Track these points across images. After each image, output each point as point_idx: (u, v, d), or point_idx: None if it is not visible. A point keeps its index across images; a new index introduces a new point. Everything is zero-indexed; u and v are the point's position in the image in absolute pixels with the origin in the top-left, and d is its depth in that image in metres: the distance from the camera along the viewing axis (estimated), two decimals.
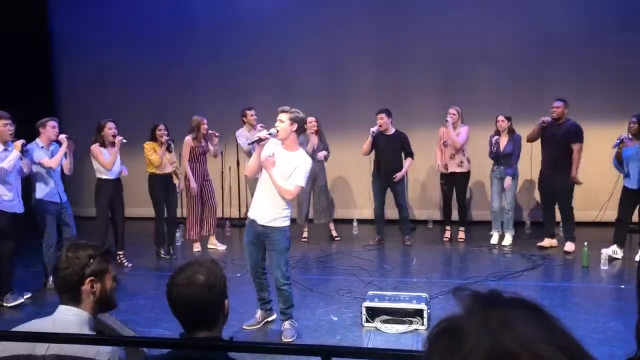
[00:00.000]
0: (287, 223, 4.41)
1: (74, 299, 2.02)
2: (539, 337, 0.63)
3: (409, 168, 7.69)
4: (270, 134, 4.32)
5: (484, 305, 0.67)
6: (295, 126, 4.32)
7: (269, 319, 4.81)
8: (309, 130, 7.54)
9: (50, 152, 5.89)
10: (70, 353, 1.88)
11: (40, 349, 1.91)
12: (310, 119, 7.53)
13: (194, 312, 1.85)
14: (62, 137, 5.88)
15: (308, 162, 4.38)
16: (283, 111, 4.32)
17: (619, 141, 6.47)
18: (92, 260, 2.03)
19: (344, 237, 8.02)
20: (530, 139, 7.13)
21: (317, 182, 7.69)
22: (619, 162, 6.54)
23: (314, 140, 7.58)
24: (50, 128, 5.85)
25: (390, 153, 7.46)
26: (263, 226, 4.35)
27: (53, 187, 5.85)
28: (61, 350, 1.88)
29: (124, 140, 6.36)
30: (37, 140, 5.83)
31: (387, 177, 7.47)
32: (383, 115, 7.38)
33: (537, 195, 8.41)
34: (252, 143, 4.39)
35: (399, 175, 7.44)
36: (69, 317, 1.99)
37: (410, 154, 7.52)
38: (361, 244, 7.71)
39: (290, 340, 4.45)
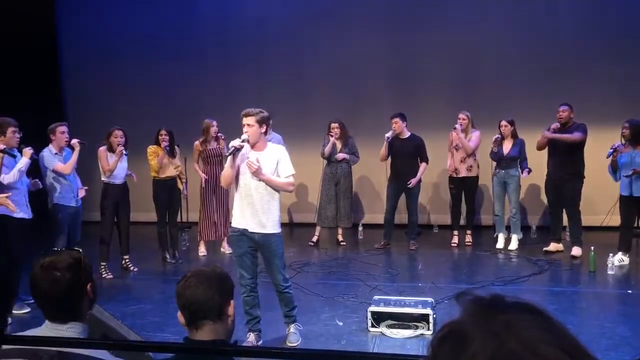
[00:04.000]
0: (280, 229, 4.32)
1: (74, 315, 1.83)
2: (543, 339, 0.63)
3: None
4: (243, 141, 4.14)
5: (487, 309, 0.68)
6: (263, 127, 4.19)
7: (259, 344, 4.45)
8: (333, 136, 7.54)
9: (63, 157, 5.95)
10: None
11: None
12: (334, 124, 7.56)
13: (200, 301, 1.90)
14: (75, 141, 5.94)
15: (283, 148, 4.37)
16: (248, 115, 4.14)
17: (612, 150, 6.43)
18: (83, 266, 1.87)
19: (349, 242, 8.01)
20: (541, 147, 7.05)
21: (340, 185, 7.68)
22: (614, 170, 6.49)
23: (336, 143, 7.58)
24: (59, 134, 5.90)
25: (405, 157, 7.43)
26: (260, 234, 4.20)
27: (69, 191, 5.94)
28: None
29: (125, 152, 6.38)
30: (50, 146, 5.90)
31: (402, 181, 7.44)
32: (397, 119, 7.38)
33: (543, 199, 8.39)
34: (230, 154, 4.15)
35: (413, 181, 7.39)
36: (63, 332, 1.80)
37: (425, 159, 7.49)
38: (367, 248, 7.70)
39: (295, 344, 4.42)
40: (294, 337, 4.49)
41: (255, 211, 4.18)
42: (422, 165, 7.48)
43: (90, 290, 1.89)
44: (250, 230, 4.19)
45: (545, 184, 7.18)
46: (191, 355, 1.94)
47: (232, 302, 1.96)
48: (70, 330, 1.81)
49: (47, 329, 1.81)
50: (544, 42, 8.48)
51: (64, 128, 5.96)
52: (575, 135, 6.74)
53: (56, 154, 5.89)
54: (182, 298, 1.93)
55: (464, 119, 7.39)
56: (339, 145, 7.63)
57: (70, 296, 1.81)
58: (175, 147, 7.08)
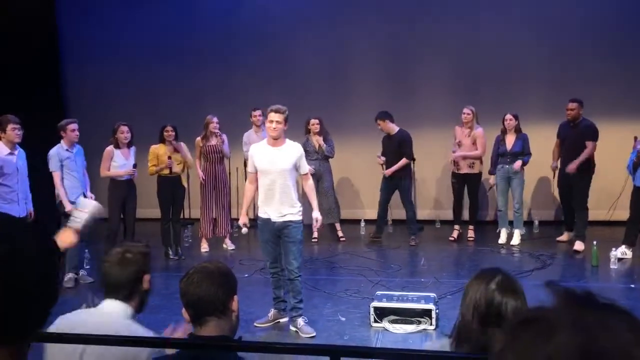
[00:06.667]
0: (301, 217, 4.61)
1: (126, 297, 2.12)
2: (636, 342, 0.62)
3: (406, 167, 7.62)
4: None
5: (579, 303, 0.66)
6: (286, 125, 4.53)
7: (281, 320, 4.86)
8: (312, 132, 7.59)
9: (74, 153, 6.13)
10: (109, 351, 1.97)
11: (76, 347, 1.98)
12: (314, 120, 7.58)
13: (204, 296, 1.91)
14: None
15: (300, 146, 4.71)
16: (278, 111, 4.44)
17: (636, 150, 6.42)
18: (147, 259, 2.19)
19: (351, 238, 8.01)
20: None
21: (322, 182, 7.69)
22: (635, 168, 6.45)
23: (319, 141, 7.60)
24: (69, 131, 6.08)
25: (391, 153, 7.51)
26: (280, 222, 4.51)
27: (78, 187, 6.09)
28: (99, 349, 1.98)
29: (136, 174, 6.58)
30: (62, 142, 6.09)
31: (392, 177, 7.52)
32: (379, 121, 7.47)
33: (547, 195, 8.41)
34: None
35: (388, 171, 7.46)
36: (116, 311, 2.10)
37: (406, 155, 7.48)
38: (368, 244, 7.72)
39: (312, 335, 4.53)
40: (308, 329, 4.60)
41: (276, 202, 4.53)
42: (403, 160, 7.47)
43: (147, 281, 2.16)
44: (271, 219, 4.51)
45: (558, 176, 7.28)
46: (196, 350, 1.95)
47: (235, 297, 1.97)
48: (123, 310, 2.09)
49: (105, 305, 2.11)
50: (550, 35, 8.40)
51: (74, 126, 6.14)
52: (589, 149, 6.81)
53: (67, 150, 6.08)
54: (186, 295, 1.94)
55: (468, 114, 7.39)
56: (320, 141, 7.66)
57: (133, 279, 2.11)
58: (181, 143, 7.07)
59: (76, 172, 6.12)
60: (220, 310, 1.92)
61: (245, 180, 8.58)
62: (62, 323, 2.09)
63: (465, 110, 7.41)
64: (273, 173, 4.49)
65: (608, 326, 0.63)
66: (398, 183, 7.54)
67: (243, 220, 4.83)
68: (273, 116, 4.43)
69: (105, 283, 2.15)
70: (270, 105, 4.54)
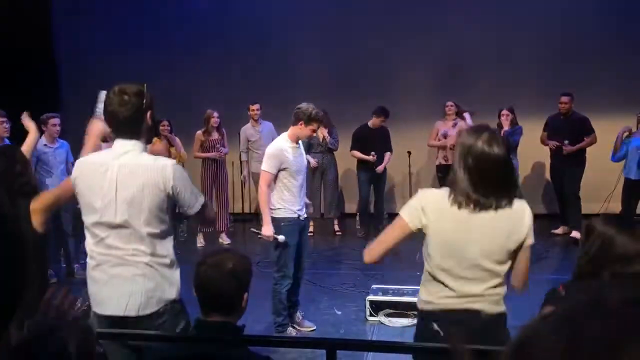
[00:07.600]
0: None
1: (136, 133, 2.27)
2: None
3: (391, 161, 7.77)
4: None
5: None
6: None
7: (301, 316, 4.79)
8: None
9: (54, 149, 5.93)
10: (139, 170, 2.23)
11: (112, 173, 2.25)
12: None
13: (215, 295, 1.91)
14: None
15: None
16: (321, 122, 4.53)
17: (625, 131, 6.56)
18: (146, 94, 2.28)
19: (348, 231, 8.03)
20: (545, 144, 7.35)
21: (326, 175, 7.70)
22: (615, 149, 6.57)
23: (324, 133, 7.58)
24: (50, 126, 5.87)
25: (379, 148, 7.57)
26: (304, 220, 4.50)
27: (52, 187, 5.92)
28: (128, 168, 2.25)
29: None
30: (42, 137, 5.85)
31: (372, 170, 7.63)
32: (383, 117, 7.51)
33: (540, 189, 8.44)
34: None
35: (380, 167, 7.55)
36: (128, 147, 2.27)
37: (390, 149, 7.66)
38: (364, 237, 7.74)
39: (311, 328, 4.57)
40: (307, 322, 4.65)
41: (301, 199, 4.45)
42: (388, 155, 7.64)
43: (149, 117, 2.30)
44: (300, 218, 4.43)
45: (550, 170, 7.37)
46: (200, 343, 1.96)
47: (245, 295, 1.98)
48: (135, 145, 2.27)
49: (117, 144, 2.30)
50: (542, 30, 8.41)
51: (56, 120, 5.91)
52: (591, 139, 6.93)
53: (45, 144, 5.85)
54: (198, 287, 1.95)
55: (451, 106, 7.63)
56: (324, 132, 7.64)
57: (134, 117, 2.24)
58: (175, 137, 7.06)
59: (55, 168, 5.85)
60: (229, 306, 1.95)
61: (243, 176, 8.70)
62: (83, 164, 2.36)
63: (449, 103, 7.67)
64: (303, 172, 4.47)
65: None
66: (378, 178, 7.66)
67: (272, 229, 4.27)
68: (316, 127, 4.39)
69: (113, 124, 2.28)
70: (309, 106, 4.41)
